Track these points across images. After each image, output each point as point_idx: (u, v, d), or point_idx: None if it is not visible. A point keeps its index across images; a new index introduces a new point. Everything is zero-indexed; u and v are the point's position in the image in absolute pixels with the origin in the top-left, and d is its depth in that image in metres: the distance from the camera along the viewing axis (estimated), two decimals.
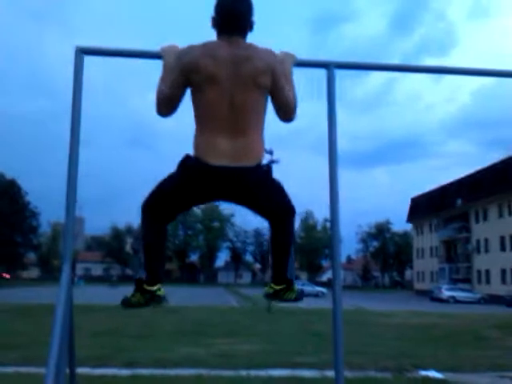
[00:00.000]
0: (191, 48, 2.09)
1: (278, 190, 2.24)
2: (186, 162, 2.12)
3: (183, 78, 2.07)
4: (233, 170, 2.04)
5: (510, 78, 2.70)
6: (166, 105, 2.13)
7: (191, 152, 2.12)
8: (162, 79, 2.17)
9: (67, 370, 2.19)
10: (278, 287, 2.35)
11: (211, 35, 2.16)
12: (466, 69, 2.67)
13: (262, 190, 2.15)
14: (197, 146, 2.08)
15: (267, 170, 2.18)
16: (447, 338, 10.48)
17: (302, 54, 2.38)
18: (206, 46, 2.06)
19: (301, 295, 2.41)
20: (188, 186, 2.12)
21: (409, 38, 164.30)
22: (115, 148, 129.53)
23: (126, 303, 2.22)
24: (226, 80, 2.02)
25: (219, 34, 2.13)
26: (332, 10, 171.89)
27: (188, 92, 2.13)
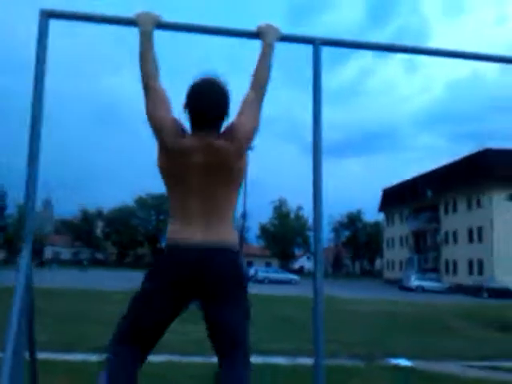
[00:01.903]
0: (172, 130, 1.97)
1: (241, 309, 1.97)
2: (157, 255, 2.07)
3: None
4: (203, 246, 1.92)
5: (488, 62, 2.62)
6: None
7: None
8: (142, 53, 2.08)
9: (27, 355, 2.08)
10: None
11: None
12: (451, 51, 2.55)
13: (226, 287, 1.93)
14: (168, 233, 2.01)
15: (240, 264, 2.00)
16: (415, 327, 10.65)
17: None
18: (180, 142, 1.96)
19: None
20: (160, 279, 1.93)
21: (385, 29, 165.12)
22: (84, 127, 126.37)
23: None
24: (195, 179, 1.97)
25: (191, 126, 2.06)
26: None
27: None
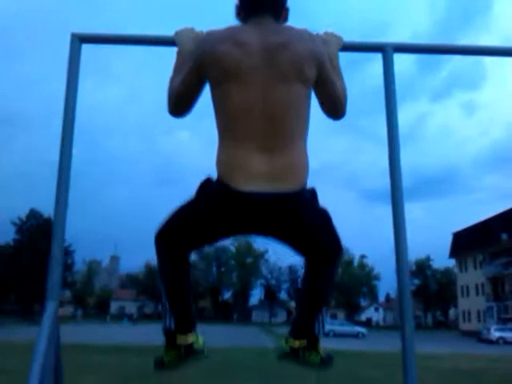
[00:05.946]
0: (210, 34, 1.62)
1: (324, 222, 1.71)
2: (207, 187, 1.60)
3: (199, 71, 1.60)
4: (270, 198, 1.49)
5: None
6: (178, 103, 1.68)
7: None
8: (176, 70, 1.75)
9: None
10: (296, 343, 1.79)
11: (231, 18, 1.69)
12: None
13: (305, 221, 1.60)
14: (220, 164, 1.54)
15: (312, 195, 1.65)
16: None
17: None
18: (228, 31, 1.59)
19: (329, 359, 1.82)
20: (211, 217, 1.59)
21: (437, 75, 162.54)
22: (147, 187, 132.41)
23: (159, 364, 1.80)
24: (256, 75, 1.51)
25: (246, 19, 1.67)
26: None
27: (207, 89, 1.66)
